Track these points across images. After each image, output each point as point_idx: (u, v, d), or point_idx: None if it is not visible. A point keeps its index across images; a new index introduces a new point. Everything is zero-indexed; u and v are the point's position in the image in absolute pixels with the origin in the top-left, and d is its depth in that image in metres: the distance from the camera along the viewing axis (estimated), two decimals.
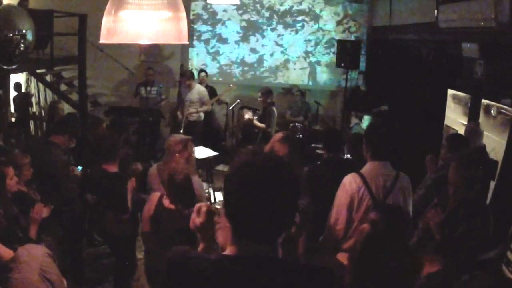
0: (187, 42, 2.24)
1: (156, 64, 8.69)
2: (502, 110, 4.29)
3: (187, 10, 7.88)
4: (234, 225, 1.27)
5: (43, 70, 7.13)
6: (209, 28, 9.09)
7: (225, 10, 8.97)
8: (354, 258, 2.12)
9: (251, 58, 9.16)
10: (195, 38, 9.09)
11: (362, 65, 8.62)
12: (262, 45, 9.11)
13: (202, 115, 7.29)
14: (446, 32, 5.38)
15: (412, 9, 6.72)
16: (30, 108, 8.19)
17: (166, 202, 3.09)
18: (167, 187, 3.10)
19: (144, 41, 2.12)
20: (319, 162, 4.16)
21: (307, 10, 8.99)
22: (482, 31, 4.41)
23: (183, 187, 3.02)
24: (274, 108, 6.32)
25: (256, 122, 6.44)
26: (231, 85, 8.07)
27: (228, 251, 1.28)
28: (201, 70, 8.22)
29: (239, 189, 1.23)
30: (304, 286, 1.26)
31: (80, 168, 4.35)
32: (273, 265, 1.25)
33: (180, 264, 1.30)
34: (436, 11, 5.35)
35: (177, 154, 3.49)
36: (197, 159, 5.90)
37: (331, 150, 3.77)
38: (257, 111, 7.22)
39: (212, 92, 7.77)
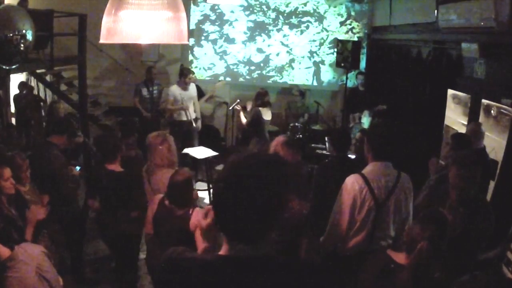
0: (187, 42, 2.24)
1: (156, 64, 8.70)
2: (502, 110, 4.29)
3: (187, 10, 7.89)
4: (221, 226, 1.28)
5: (43, 70, 7.12)
6: (217, 28, 9.21)
7: (232, 11, 9.10)
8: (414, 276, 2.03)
9: (257, 58, 9.30)
10: (203, 38, 9.22)
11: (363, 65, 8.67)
12: (268, 45, 9.25)
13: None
14: (446, 32, 5.38)
15: (412, 9, 6.72)
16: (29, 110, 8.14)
17: (167, 203, 3.10)
18: (168, 187, 3.11)
19: (144, 41, 2.12)
20: (327, 160, 4.14)
21: (312, 11, 9.13)
22: (482, 31, 4.41)
23: (181, 188, 3.03)
24: (260, 109, 6.23)
25: (241, 115, 6.47)
26: (220, 81, 8.04)
27: (222, 251, 1.30)
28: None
29: (222, 190, 1.25)
30: (295, 284, 1.26)
31: (78, 168, 4.35)
32: (264, 264, 1.25)
33: (175, 265, 1.31)
34: (436, 11, 5.35)
35: (160, 147, 3.53)
36: (197, 159, 5.96)
37: (340, 150, 3.73)
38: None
39: (198, 90, 7.75)
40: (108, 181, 3.68)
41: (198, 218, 2.96)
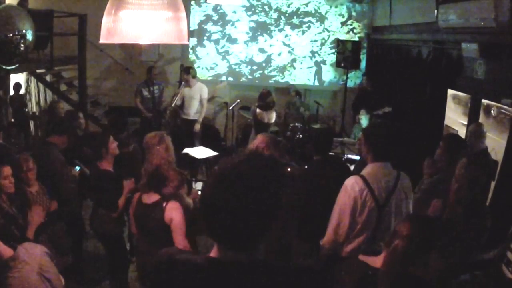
0: (187, 42, 2.25)
1: (156, 64, 8.71)
2: (502, 110, 4.29)
3: (187, 10, 7.89)
4: (211, 233, 1.23)
5: (43, 70, 7.13)
6: (219, 28, 9.25)
7: (234, 11, 9.14)
8: (390, 275, 2.01)
9: (259, 58, 9.34)
10: (205, 38, 9.26)
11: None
12: (270, 45, 9.30)
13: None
14: (446, 32, 5.38)
15: (412, 9, 6.72)
16: (25, 109, 8.12)
17: (144, 199, 3.10)
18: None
19: (144, 41, 2.13)
20: (306, 166, 4.01)
21: (313, 11, 9.17)
22: (482, 31, 4.41)
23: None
24: (261, 111, 6.12)
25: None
26: (222, 82, 8.04)
27: (213, 253, 1.27)
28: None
29: (209, 196, 1.20)
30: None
31: (78, 168, 4.36)
32: (257, 269, 1.23)
33: (166, 268, 1.29)
34: (436, 11, 5.35)
35: (157, 147, 3.52)
36: (197, 159, 5.94)
37: (319, 152, 3.65)
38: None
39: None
40: (93, 179, 3.72)
41: (172, 212, 2.97)
